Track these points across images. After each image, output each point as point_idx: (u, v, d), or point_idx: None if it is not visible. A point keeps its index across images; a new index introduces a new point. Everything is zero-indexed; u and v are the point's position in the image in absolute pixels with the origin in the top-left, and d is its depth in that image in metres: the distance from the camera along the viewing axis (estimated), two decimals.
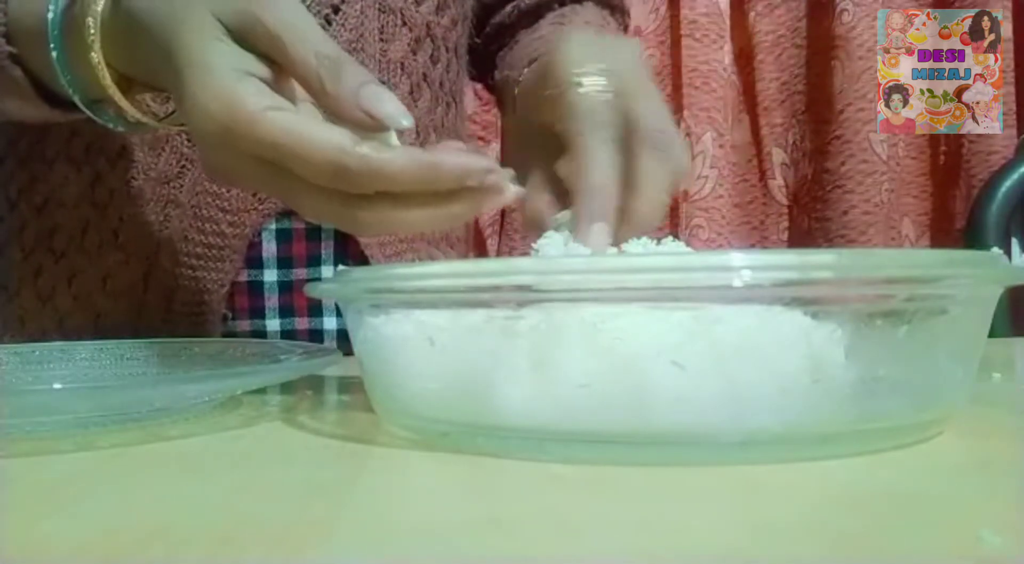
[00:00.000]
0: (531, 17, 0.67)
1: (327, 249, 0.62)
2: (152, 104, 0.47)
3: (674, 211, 1.14)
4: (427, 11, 0.63)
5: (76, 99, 0.43)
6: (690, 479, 0.27)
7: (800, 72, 1.15)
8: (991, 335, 0.33)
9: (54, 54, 0.42)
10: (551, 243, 0.38)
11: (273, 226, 0.61)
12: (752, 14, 1.15)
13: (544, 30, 0.63)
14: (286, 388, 0.46)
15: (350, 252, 0.62)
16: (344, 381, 0.49)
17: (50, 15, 0.42)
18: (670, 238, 0.37)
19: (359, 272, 0.36)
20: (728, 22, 1.14)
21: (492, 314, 0.30)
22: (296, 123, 0.35)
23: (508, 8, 0.69)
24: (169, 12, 0.37)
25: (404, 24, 0.62)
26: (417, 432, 0.33)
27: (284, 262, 0.61)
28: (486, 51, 0.70)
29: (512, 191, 0.36)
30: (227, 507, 0.26)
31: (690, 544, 0.22)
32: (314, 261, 0.62)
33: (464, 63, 0.71)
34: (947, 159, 1.15)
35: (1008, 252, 0.98)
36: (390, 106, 0.35)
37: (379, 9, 0.61)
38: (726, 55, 1.13)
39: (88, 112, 0.44)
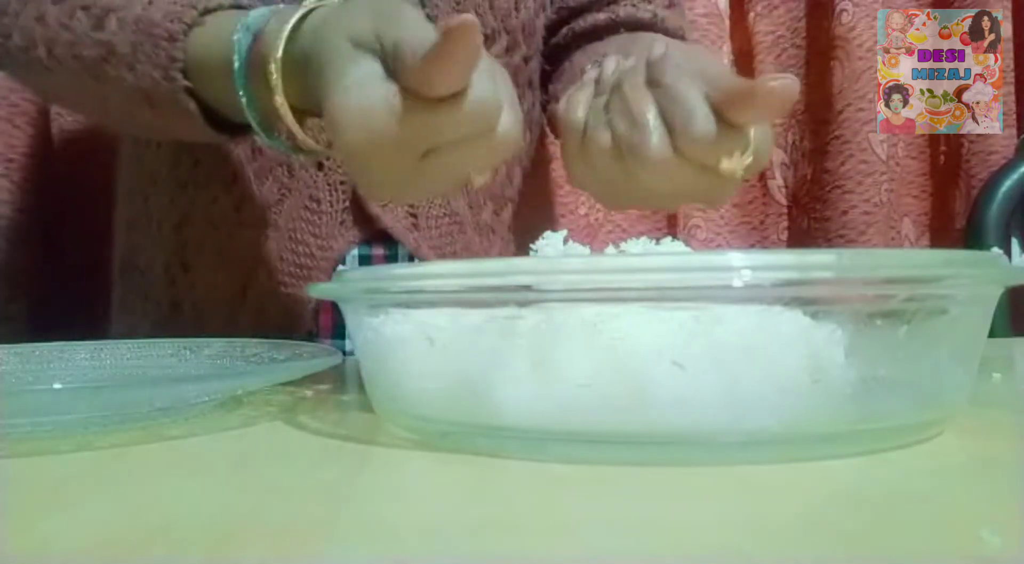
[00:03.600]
0: (585, 39, 0.70)
1: None
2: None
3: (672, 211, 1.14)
4: (498, 52, 0.67)
5: (263, 136, 0.49)
6: (690, 479, 0.27)
7: (800, 72, 1.15)
8: (991, 335, 0.33)
9: (243, 100, 0.47)
10: (551, 243, 0.38)
11: (356, 252, 0.65)
12: (752, 14, 1.14)
13: (614, 43, 0.67)
14: (286, 388, 0.46)
15: None
16: (344, 381, 0.49)
17: (236, 65, 0.47)
18: (669, 238, 0.37)
19: (359, 272, 0.36)
20: (727, 23, 1.14)
21: (492, 314, 0.30)
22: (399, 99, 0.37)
23: (564, 30, 0.72)
24: (323, 38, 0.42)
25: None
26: (417, 432, 0.33)
27: None
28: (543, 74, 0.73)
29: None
30: (227, 507, 0.26)
31: (690, 544, 0.22)
32: None
33: (538, 94, 0.74)
34: (947, 159, 1.15)
35: (1008, 252, 0.98)
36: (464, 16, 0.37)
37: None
38: (726, 56, 1.13)
39: (270, 143, 0.49)
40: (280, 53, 0.44)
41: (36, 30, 0.57)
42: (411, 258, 0.66)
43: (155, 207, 0.70)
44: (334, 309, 0.65)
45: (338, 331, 0.66)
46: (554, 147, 0.79)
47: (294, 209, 0.65)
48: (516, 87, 0.69)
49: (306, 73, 0.43)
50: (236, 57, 0.47)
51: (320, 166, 0.65)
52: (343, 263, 0.65)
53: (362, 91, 0.38)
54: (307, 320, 0.65)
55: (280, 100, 0.45)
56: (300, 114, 0.46)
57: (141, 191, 0.71)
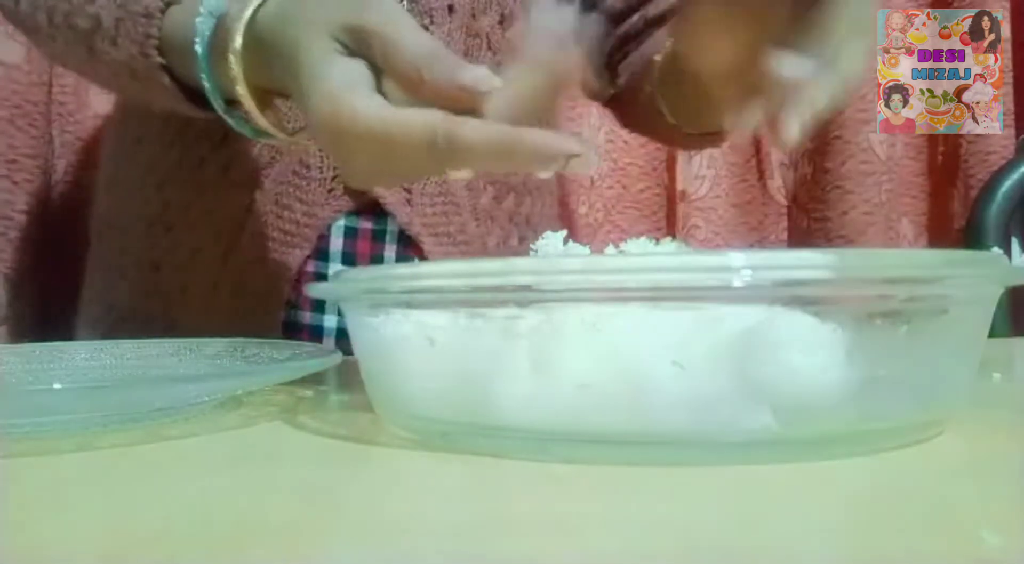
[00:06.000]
0: (658, 25, 0.69)
1: (390, 251, 0.65)
2: (287, 112, 0.52)
3: (671, 211, 1.14)
4: (513, 35, 0.67)
5: (225, 117, 0.49)
6: (690, 479, 0.27)
7: None
8: (991, 335, 0.33)
9: (206, 84, 0.48)
10: (550, 243, 0.38)
11: (342, 222, 0.64)
12: None
13: None
14: (286, 388, 0.46)
15: (412, 255, 0.65)
16: (344, 381, 0.49)
17: (199, 50, 0.47)
18: (669, 238, 0.37)
19: (358, 272, 0.36)
20: None
21: (492, 314, 0.30)
22: (389, 111, 0.38)
23: (635, 17, 0.71)
24: (293, 37, 0.42)
25: (488, 48, 0.66)
26: (417, 432, 0.33)
27: (348, 258, 0.65)
28: (608, 62, 0.73)
29: (594, 162, 0.38)
30: (227, 507, 0.26)
31: (690, 544, 0.22)
32: (377, 260, 0.65)
33: None
34: (946, 159, 1.15)
35: (1008, 252, 0.98)
36: (479, 72, 0.38)
37: (466, 33, 0.65)
38: None
39: (232, 124, 0.49)
40: (239, 43, 0.44)
41: None
42: (400, 234, 0.64)
43: (137, 166, 0.69)
44: (316, 280, 0.64)
45: (318, 305, 0.65)
46: None
47: (283, 173, 0.64)
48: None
49: (273, 63, 0.43)
50: (199, 40, 0.47)
51: None
52: (327, 233, 0.64)
53: (347, 99, 0.38)
54: (287, 289, 0.64)
55: (242, 90, 0.45)
56: (266, 94, 0.46)
57: (124, 152, 0.71)
